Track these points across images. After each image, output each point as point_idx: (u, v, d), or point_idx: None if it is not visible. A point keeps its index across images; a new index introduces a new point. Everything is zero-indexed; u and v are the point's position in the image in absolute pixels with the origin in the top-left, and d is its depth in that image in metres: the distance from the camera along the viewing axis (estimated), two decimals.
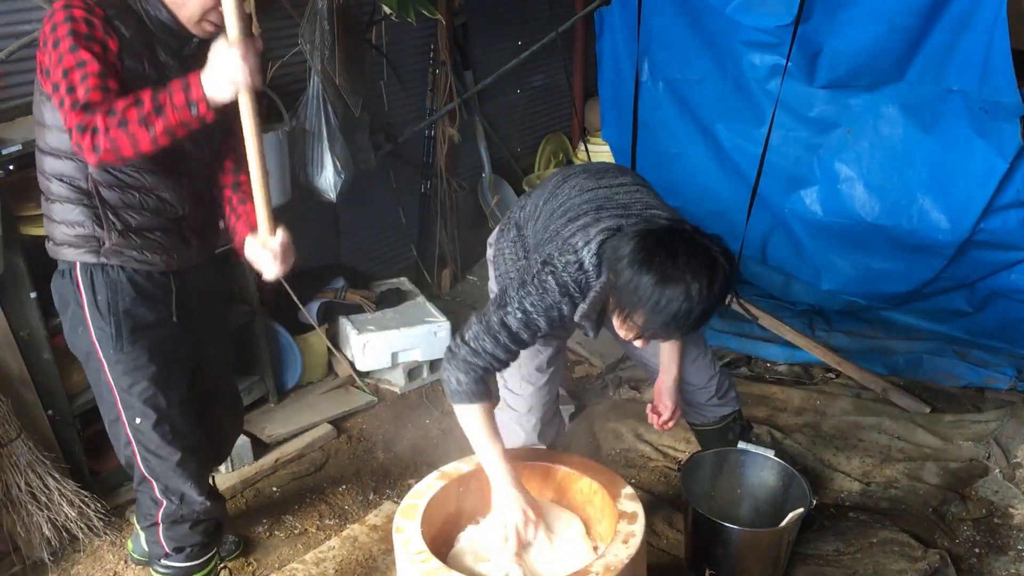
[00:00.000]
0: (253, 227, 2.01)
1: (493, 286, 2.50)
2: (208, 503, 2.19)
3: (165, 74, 1.89)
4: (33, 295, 2.57)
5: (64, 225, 1.98)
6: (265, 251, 1.96)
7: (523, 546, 2.00)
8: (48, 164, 1.95)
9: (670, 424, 2.49)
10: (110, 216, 1.96)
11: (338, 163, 3.49)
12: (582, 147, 5.03)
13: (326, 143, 3.46)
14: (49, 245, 2.05)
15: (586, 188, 2.10)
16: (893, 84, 3.38)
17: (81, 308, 2.02)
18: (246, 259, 2.04)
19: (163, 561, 2.22)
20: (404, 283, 4.13)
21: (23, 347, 2.65)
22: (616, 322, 1.88)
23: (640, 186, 2.15)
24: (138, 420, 2.08)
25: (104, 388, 2.09)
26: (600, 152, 4.90)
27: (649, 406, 2.51)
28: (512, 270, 2.32)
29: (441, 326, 3.72)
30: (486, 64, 4.52)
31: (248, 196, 2.07)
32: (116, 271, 2.01)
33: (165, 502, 2.15)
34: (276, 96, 3.31)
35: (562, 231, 1.97)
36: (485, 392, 2.01)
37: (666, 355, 2.43)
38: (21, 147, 2.43)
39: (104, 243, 1.98)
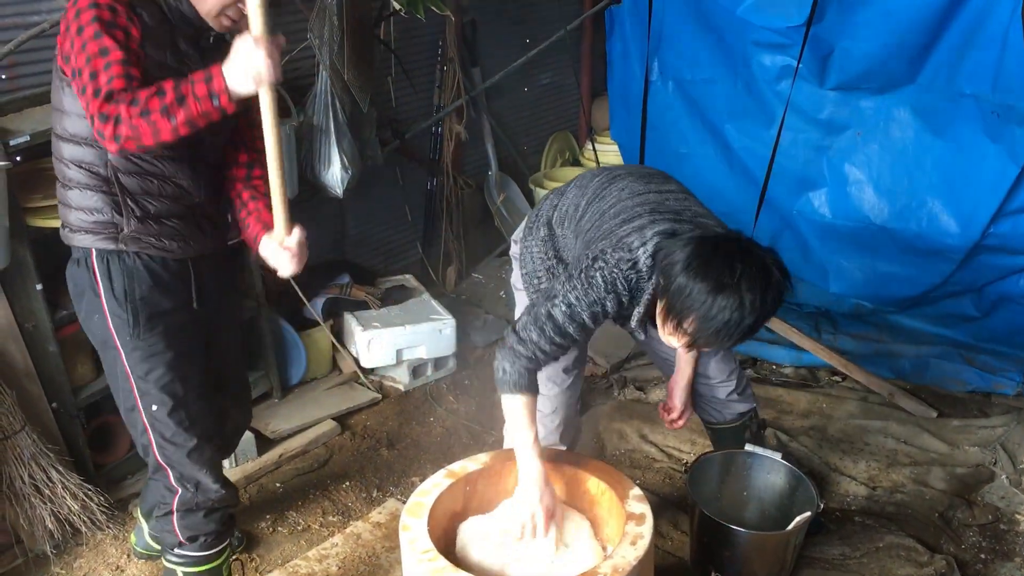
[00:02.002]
0: (266, 224, 2.04)
1: (517, 283, 2.47)
2: (223, 491, 2.20)
3: (186, 64, 1.92)
4: (39, 287, 2.56)
5: (81, 211, 1.98)
6: (282, 249, 1.99)
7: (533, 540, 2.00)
8: (66, 150, 1.95)
9: (679, 423, 2.50)
10: (129, 203, 1.97)
11: (345, 159, 3.47)
12: (589, 146, 5.01)
13: (334, 138, 3.44)
14: (64, 232, 2.05)
15: (636, 191, 2.09)
16: (904, 87, 3.37)
17: (97, 296, 2.02)
18: (259, 255, 2.05)
19: (176, 550, 2.21)
20: (409, 280, 4.11)
21: (28, 339, 2.64)
22: (665, 328, 1.87)
23: (687, 195, 2.14)
24: (154, 407, 2.08)
25: (120, 376, 2.09)
26: (608, 151, 4.88)
27: (661, 404, 2.53)
28: (540, 268, 2.31)
29: (446, 324, 3.71)
30: (494, 61, 4.50)
31: (259, 193, 2.11)
32: (132, 258, 2.02)
33: (180, 490, 2.15)
34: (284, 91, 3.30)
35: (617, 230, 1.96)
36: (529, 385, 2.02)
37: (683, 354, 2.41)
38: (29, 138, 2.43)
39: (123, 229, 1.98)
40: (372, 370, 3.71)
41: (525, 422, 2.02)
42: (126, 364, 2.06)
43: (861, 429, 3.33)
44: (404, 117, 4.14)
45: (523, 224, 2.44)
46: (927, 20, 3.18)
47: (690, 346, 1.86)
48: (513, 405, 2.03)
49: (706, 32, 3.75)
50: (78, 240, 2.01)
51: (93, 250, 2.00)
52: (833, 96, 3.55)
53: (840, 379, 3.66)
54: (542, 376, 2.33)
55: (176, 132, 1.76)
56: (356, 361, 3.67)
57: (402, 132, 4.08)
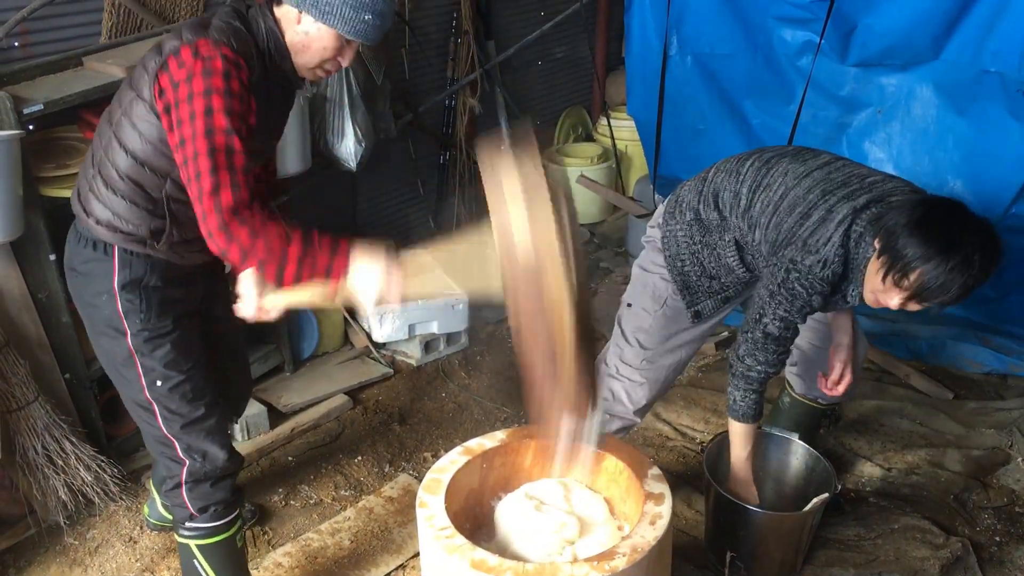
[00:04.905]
0: None
1: (648, 265, 2.51)
2: (229, 459, 2.19)
3: (272, 113, 1.95)
4: (52, 257, 2.54)
5: (119, 218, 1.94)
6: (255, 299, 1.90)
7: None
8: (123, 163, 1.90)
9: (840, 388, 2.50)
10: (173, 229, 1.96)
11: (359, 131, 3.44)
12: (603, 121, 4.96)
13: (347, 111, 3.41)
14: (87, 220, 1.98)
15: (799, 173, 2.18)
16: (928, 64, 3.30)
17: (111, 280, 1.98)
18: (236, 277, 2.00)
19: (188, 524, 2.21)
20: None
21: (41, 309, 2.63)
22: (884, 283, 1.94)
23: (842, 160, 2.25)
24: (159, 383, 2.06)
25: (122, 352, 2.05)
26: (622, 127, 4.84)
27: (820, 373, 2.56)
28: (684, 252, 2.40)
29: (459, 299, 3.69)
30: (508, 34, 4.45)
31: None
32: (154, 257, 2.00)
33: (188, 461, 2.13)
34: None
35: (798, 231, 2.09)
36: (756, 415, 2.29)
37: (840, 321, 2.48)
38: (43, 107, 2.40)
39: (155, 245, 1.96)
40: (384, 345, 3.70)
41: (744, 442, 2.34)
42: (131, 344, 2.03)
43: (877, 410, 3.31)
44: (418, 90, 4.10)
45: (660, 211, 2.51)
46: None
47: (906, 301, 1.93)
48: (738, 430, 2.33)
49: (727, 6, 3.68)
50: (104, 235, 1.96)
51: (116, 245, 1.97)
52: (855, 73, 3.48)
53: None
54: (639, 356, 2.52)
55: (274, 278, 1.76)
56: (368, 336, 3.65)
57: (416, 105, 4.04)
